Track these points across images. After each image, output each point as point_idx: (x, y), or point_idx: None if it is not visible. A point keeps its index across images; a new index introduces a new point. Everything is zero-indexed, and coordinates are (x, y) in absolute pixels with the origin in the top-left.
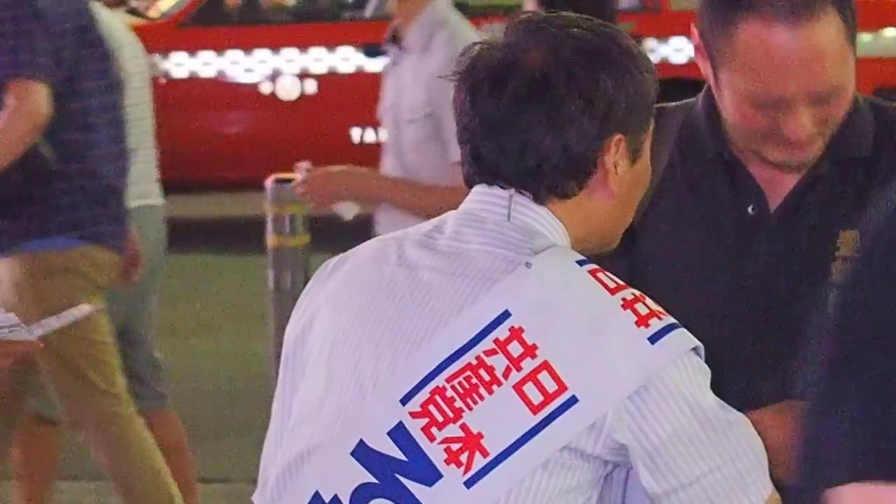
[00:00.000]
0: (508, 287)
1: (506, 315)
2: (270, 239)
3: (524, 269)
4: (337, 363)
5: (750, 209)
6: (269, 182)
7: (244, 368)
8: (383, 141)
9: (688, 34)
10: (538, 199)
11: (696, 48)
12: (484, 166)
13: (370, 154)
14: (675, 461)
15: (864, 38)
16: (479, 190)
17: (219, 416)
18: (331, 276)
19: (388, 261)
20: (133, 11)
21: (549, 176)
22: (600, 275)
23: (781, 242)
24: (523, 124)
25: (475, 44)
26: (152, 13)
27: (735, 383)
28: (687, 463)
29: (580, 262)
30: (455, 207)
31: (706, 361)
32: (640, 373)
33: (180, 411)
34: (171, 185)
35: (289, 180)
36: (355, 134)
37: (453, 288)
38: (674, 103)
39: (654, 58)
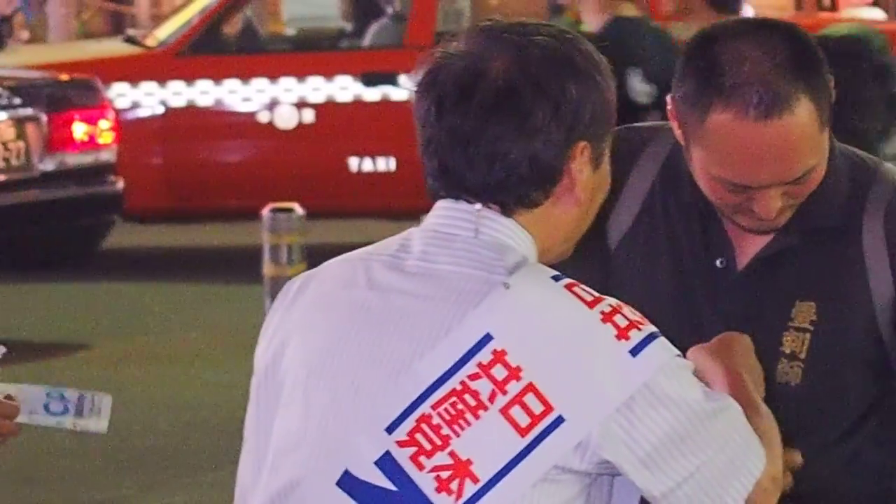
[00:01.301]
0: (488, 309)
1: (487, 338)
2: (267, 268)
3: (502, 290)
4: (314, 394)
5: (718, 262)
6: (266, 211)
7: (241, 398)
8: (381, 170)
9: None
10: (506, 210)
11: (670, 113)
12: (451, 179)
13: (368, 183)
14: (669, 461)
15: None
16: (444, 205)
17: (216, 447)
18: (296, 300)
19: (357, 283)
20: (131, 40)
21: (518, 186)
22: (576, 289)
23: (740, 303)
24: (491, 135)
25: (434, 52)
26: (150, 42)
27: None
28: (680, 461)
29: (555, 278)
30: None
31: None
32: (623, 387)
33: (178, 441)
34: (169, 213)
35: (286, 210)
36: (353, 163)
37: (430, 312)
38: (670, 125)
39: None
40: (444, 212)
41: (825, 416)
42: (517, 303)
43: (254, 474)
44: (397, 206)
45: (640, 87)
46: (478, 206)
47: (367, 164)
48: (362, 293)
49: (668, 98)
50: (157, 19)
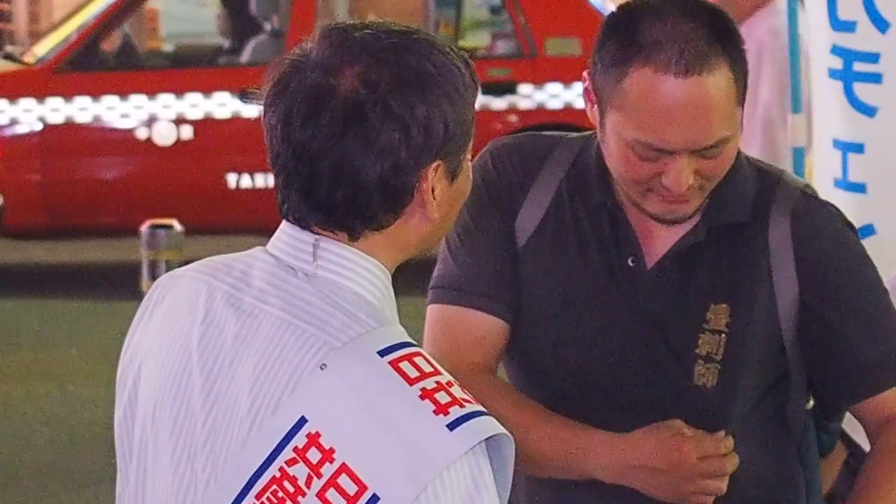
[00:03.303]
0: (304, 392)
1: (302, 421)
2: (145, 284)
3: (319, 372)
4: (158, 466)
5: (629, 261)
6: (144, 228)
7: None
8: (259, 187)
9: (563, 80)
10: (353, 236)
11: (585, 91)
12: (296, 199)
13: (246, 200)
14: None
15: None
16: (287, 230)
17: (95, 463)
18: (152, 315)
19: (197, 312)
20: (9, 57)
21: (364, 209)
22: (403, 364)
23: (654, 301)
24: (338, 155)
25: (283, 60)
26: (28, 58)
27: (592, 422)
28: None
29: (384, 351)
30: None
31: (567, 392)
32: (437, 460)
33: (56, 457)
34: (48, 230)
35: (164, 226)
36: (231, 180)
37: (255, 377)
38: (575, 135)
39: (530, 104)
40: (287, 238)
41: (730, 416)
42: (332, 384)
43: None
44: (275, 222)
45: None
46: (315, 238)
47: (246, 181)
48: (201, 327)
49: (584, 75)
50: (35, 36)
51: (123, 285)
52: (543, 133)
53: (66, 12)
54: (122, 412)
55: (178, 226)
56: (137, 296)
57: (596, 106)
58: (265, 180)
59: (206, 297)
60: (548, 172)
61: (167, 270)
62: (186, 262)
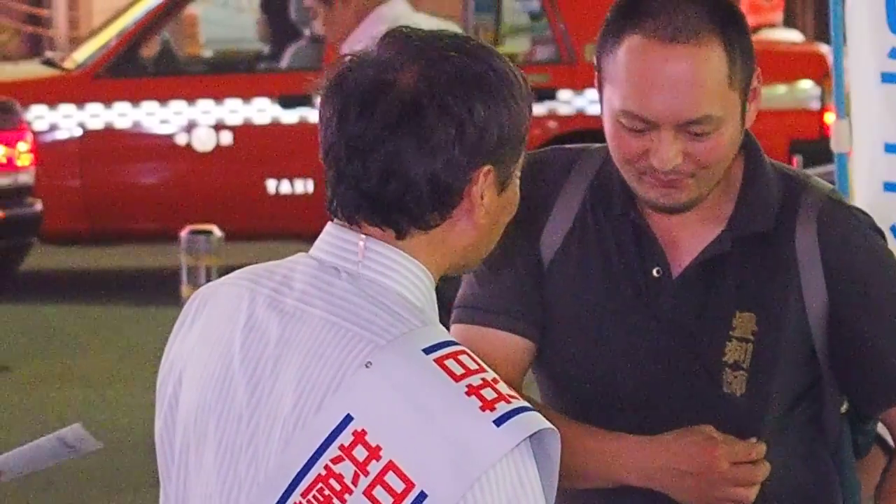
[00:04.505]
0: (349, 390)
1: (348, 419)
2: (185, 290)
3: (364, 370)
4: (201, 469)
5: (655, 272)
6: (183, 233)
7: None
8: (298, 193)
9: None
10: (399, 234)
11: (596, 79)
12: (347, 192)
13: (285, 205)
14: None
15: (779, 89)
16: (332, 231)
17: (134, 468)
18: (193, 324)
19: (239, 319)
20: (48, 62)
21: (414, 206)
22: (449, 361)
23: (679, 311)
24: (391, 149)
25: (345, 57)
26: (68, 64)
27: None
28: None
29: (429, 349)
30: None
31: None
32: (486, 457)
33: (95, 462)
34: (87, 236)
35: (204, 232)
36: (271, 185)
37: (298, 377)
38: (598, 145)
39: (569, 109)
40: (332, 238)
41: (761, 425)
42: (379, 381)
43: None
44: (315, 228)
45: None
46: (363, 237)
47: (285, 187)
48: (243, 332)
49: (594, 60)
50: (76, 42)
51: (163, 291)
52: (566, 147)
53: (105, 18)
54: (163, 421)
55: (217, 231)
56: (177, 301)
57: (599, 86)
58: (304, 186)
59: (249, 301)
60: (571, 187)
61: (207, 276)
62: (226, 268)
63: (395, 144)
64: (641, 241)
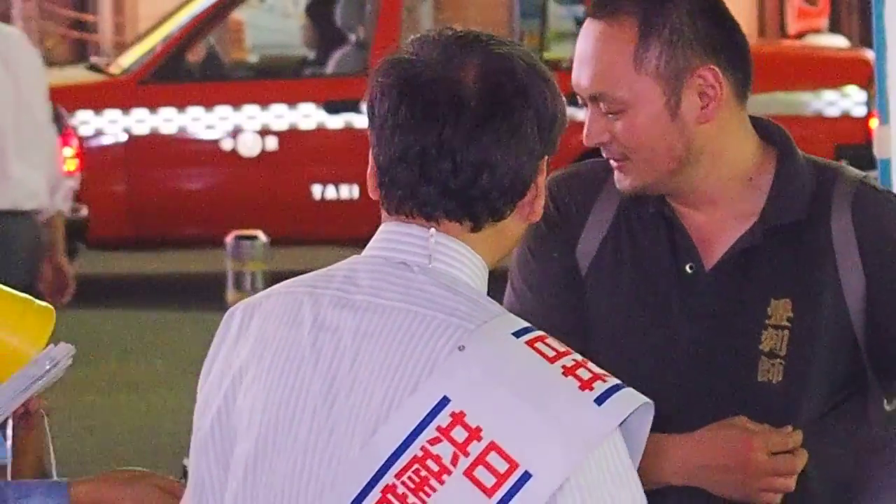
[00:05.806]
0: (444, 373)
1: (445, 401)
2: (231, 295)
3: (458, 353)
4: (269, 463)
5: (688, 267)
6: (229, 239)
7: None
8: (344, 198)
9: None
10: (476, 227)
11: None
12: (429, 192)
13: (331, 211)
14: None
15: (826, 95)
16: (394, 229)
17: (178, 473)
18: (241, 335)
19: (303, 321)
20: (93, 68)
21: (497, 199)
22: (539, 344)
23: (714, 305)
24: (486, 144)
25: (388, 59)
26: (113, 70)
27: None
28: None
29: (518, 333)
30: None
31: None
32: (590, 436)
33: (140, 467)
34: (133, 241)
35: (249, 237)
36: (316, 191)
37: (386, 366)
38: None
39: None
40: (395, 236)
41: (800, 413)
42: (474, 364)
43: None
44: (360, 233)
45: None
46: (432, 231)
47: (331, 192)
48: (311, 333)
49: None
50: (121, 47)
51: (209, 296)
52: (601, 159)
53: (151, 23)
54: (209, 427)
55: (263, 237)
56: (223, 307)
57: None
58: (349, 191)
59: (311, 305)
60: (605, 198)
61: (252, 281)
62: (271, 273)
63: (489, 139)
64: (674, 237)
